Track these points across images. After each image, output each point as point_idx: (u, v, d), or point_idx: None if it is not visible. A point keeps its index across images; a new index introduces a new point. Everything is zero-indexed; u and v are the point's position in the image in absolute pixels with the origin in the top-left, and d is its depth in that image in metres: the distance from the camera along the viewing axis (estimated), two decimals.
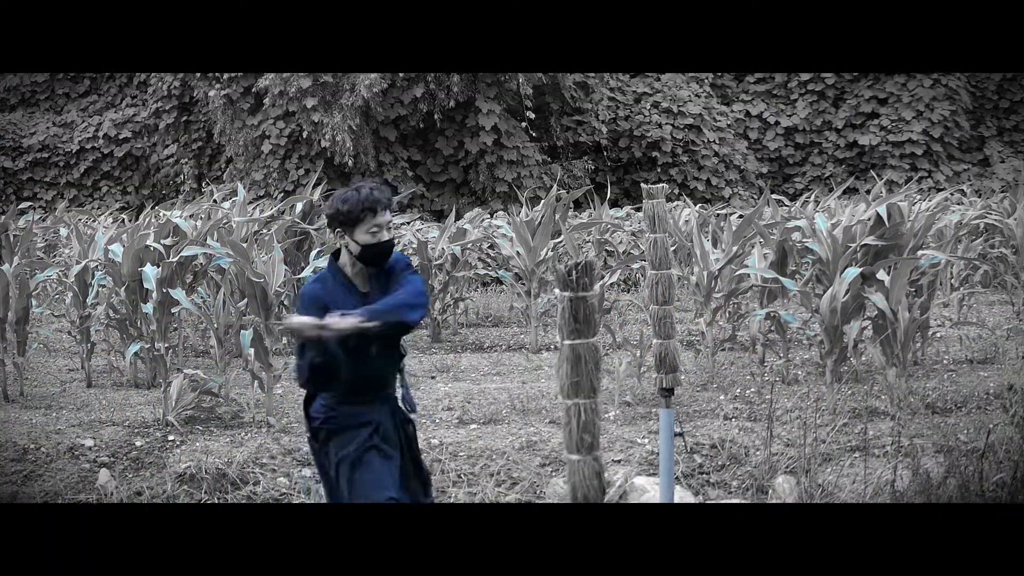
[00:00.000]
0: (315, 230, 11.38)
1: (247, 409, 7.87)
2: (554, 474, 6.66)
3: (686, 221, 12.23)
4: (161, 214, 10.67)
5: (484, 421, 7.73)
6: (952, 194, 16.14)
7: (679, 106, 24.02)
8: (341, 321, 4.19)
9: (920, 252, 8.24)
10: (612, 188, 19.97)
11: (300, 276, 9.88)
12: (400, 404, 4.65)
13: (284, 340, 10.04)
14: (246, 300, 8.43)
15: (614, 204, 19.59)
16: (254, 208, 11.94)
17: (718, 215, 13.25)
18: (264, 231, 10.59)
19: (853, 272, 7.71)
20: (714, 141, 23.92)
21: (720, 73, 25.74)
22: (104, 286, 9.31)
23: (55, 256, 13.39)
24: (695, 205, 14.76)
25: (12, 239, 10.31)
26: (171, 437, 7.36)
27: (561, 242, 11.41)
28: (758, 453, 6.80)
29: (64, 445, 7.18)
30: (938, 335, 9.89)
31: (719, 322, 9.32)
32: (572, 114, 23.79)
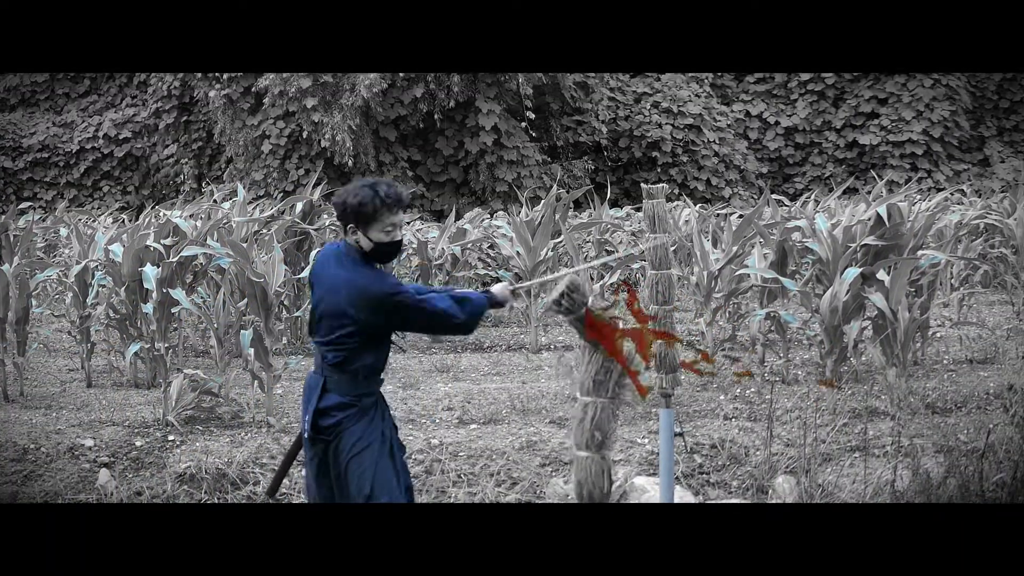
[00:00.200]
0: (315, 230, 11.38)
1: (247, 409, 7.87)
2: (554, 474, 6.66)
3: (686, 221, 12.24)
4: (161, 214, 10.67)
5: (484, 421, 7.73)
6: (952, 194, 16.14)
7: (679, 106, 24.02)
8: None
9: (920, 252, 8.24)
10: (612, 188, 19.98)
11: (300, 276, 9.88)
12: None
13: (284, 340, 10.05)
14: (246, 300, 8.43)
15: (614, 204, 19.60)
16: (254, 208, 11.94)
17: (718, 215, 13.26)
18: (264, 231, 10.59)
19: (853, 272, 7.71)
20: (714, 141, 23.92)
21: (720, 73, 25.73)
22: (104, 286, 9.32)
23: (55, 256, 13.39)
24: (695, 205, 14.77)
25: (12, 239, 10.31)
26: (171, 437, 7.36)
27: (561, 242, 11.41)
28: (758, 453, 6.80)
29: (64, 445, 7.17)
30: (938, 335, 9.89)
31: (719, 322, 9.32)
32: (572, 114, 23.80)
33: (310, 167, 20.79)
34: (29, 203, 21.59)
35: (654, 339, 4.03)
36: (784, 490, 6.29)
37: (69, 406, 8.32)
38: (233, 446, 7.14)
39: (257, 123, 21.28)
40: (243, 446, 7.12)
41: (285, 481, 6.67)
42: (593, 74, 23.02)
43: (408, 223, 14.03)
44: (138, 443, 7.27)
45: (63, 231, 13.30)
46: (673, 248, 9.24)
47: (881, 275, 7.91)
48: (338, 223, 4.56)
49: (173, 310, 8.89)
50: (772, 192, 14.62)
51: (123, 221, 13.38)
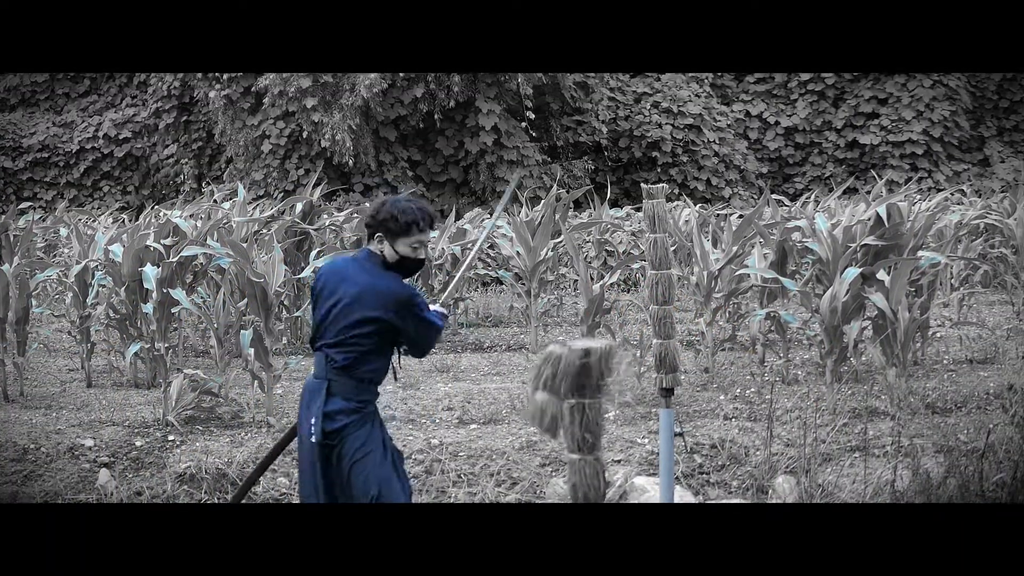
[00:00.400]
0: (315, 230, 11.38)
1: (247, 409, 7.87)
2: (554, 474, 6.66)
3: (686, 221, 12.24)
4: (161, 214, 10.67)
5: (484, 421, 7.73)
6: (952, 194, 16.14)
7: (679, 106, 24.01)
8: None
9: (920, 252, 8.24)
10: (612, 188, 19.97)
11: (300, 276, 9.88)
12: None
13: (284, 340, 10.05)
14: (246, 300, 8.43)
15: (614, 204, 19.59)
16: (254, 208, 11.94)
17: (718, 215, 13.25)
18: (264, 231, 10.59)
19: (853, 272, 7.71)
20: (714, 141, 23.91)
21: (720, 73, 25.72)
22: (104, 286, 9.31)
23: (55, 256, 13.39)
24: (695, 205, 14.77)
25: (12, 239, 10.32)
26: (171, 437, 7.36)
27: (561, 242, 11.41)
28: (758, 453, 6.81)
29: (64, 445, 7.18)
30: (938, 335, 9.89)
31: (719, 322, 9.32)
32: (572, 114, 23.78)
33: (310, 167, 20.77)
34: (29, 203, 21.58)
35: None
36: (784, 490, 6.29)
37: (69, 406, 8.33)
38: (233, 446, 7.14)
39: (257, 123, 21.27)
40: (243, 446, 7.12)
41: (285, 480, 6.68)
42: (593, 74, 23.01)
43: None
44: (138, 443, 7.27)
45: (63, 231, 13.30)
46: (673, 248, 9.24)
47: (881, 275, 7.92)
48: (365, 228, 4.61)
49: (173, 310, 8.89)
50: (772, 192, 14.62)
51: (123, 221, 13.38)
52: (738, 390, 8.32)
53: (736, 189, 23.99)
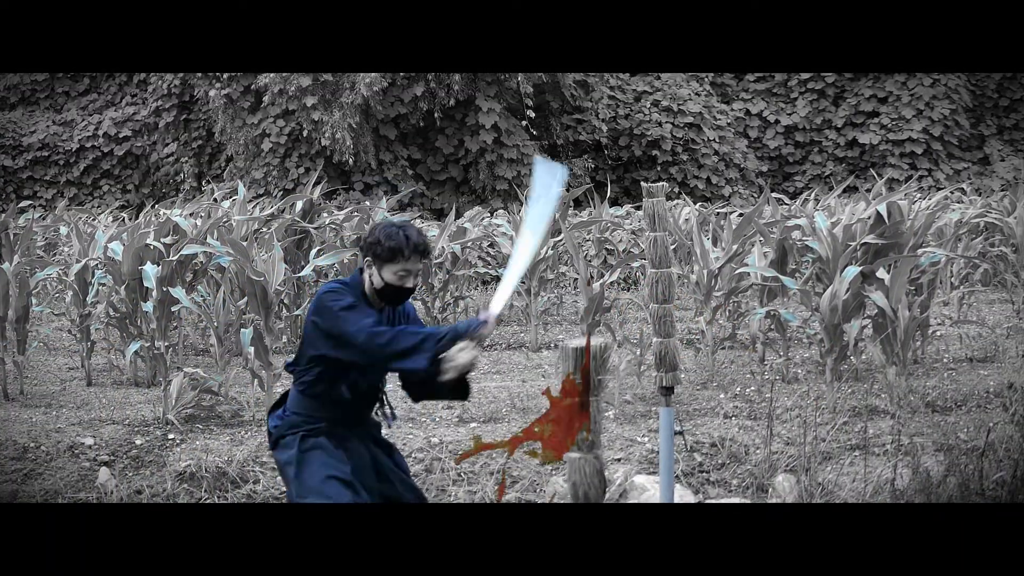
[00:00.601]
0: (315, 229, 11.38)
1: (247, 407, 7.87)
2: (554, 473, 6.67)
3: (686, 219, 12.24)
4: (161, 212, 10.67)
5: (484, 420, 7.73)
6: (952, 192, 16.14)
7: (679, 105, 24.01)
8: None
9: (920, 250, 8.24)
10: (612, 187, 19.97)
11: (300, 275, 9.89)
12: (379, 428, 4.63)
13: (284, 339, 10.05)
14: (246, 299, 8.43)
15: (614, 203, 19.59)
16: (254, 206, 11.94)
17: (718, 213, 13.26)
18: (264, 229, 10.59)
19: (853, 271, 7.71)
20: (714, 140, 23.91)
21: (720, 73, 25.72)
22: (104, 284, 9.31)
23: (55, 254, 13.39)
24: (695, 203, 14.77)
25: (12, 237, 10.32)
26: (171, 436, 7.37)
27: (561, 240, 11.41)
28: (758, 451, 6.81)
29: (64, 444, 7.18)
30: (938, 333, 9.89)
31: (719, 320, 9.33)
32: (572, 113, 23.78)
33: (310, 166, 20.78)
34: (29, 201, 21.60)
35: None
36: (784, 488, 6.30)
37: (69, 405, 8.33)
38: (233, 445, 7.15)
39: (257, 122, 21.28)
40: (243, 445, 7.13)
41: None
42: (593, 73, 23.01)
43: (409, 221, 14.02)
44: (138, 441, 7.27)
45: (63, 229, 13.29)
46: (673, 246, 9.24)
47: (881, 273, 7.91)
48: (359, 253, 4.54)
49: (173, 308, 8.89)
50: (772, 190, 14.62)
51: (123, 219, 13.38)
52: (738, 388, 8.33)
53: (736, 188, 23.99)
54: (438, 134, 22.15)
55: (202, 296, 9.01)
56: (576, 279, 12.55)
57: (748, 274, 9.03)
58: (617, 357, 8.25)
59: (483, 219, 15.30)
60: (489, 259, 14.94)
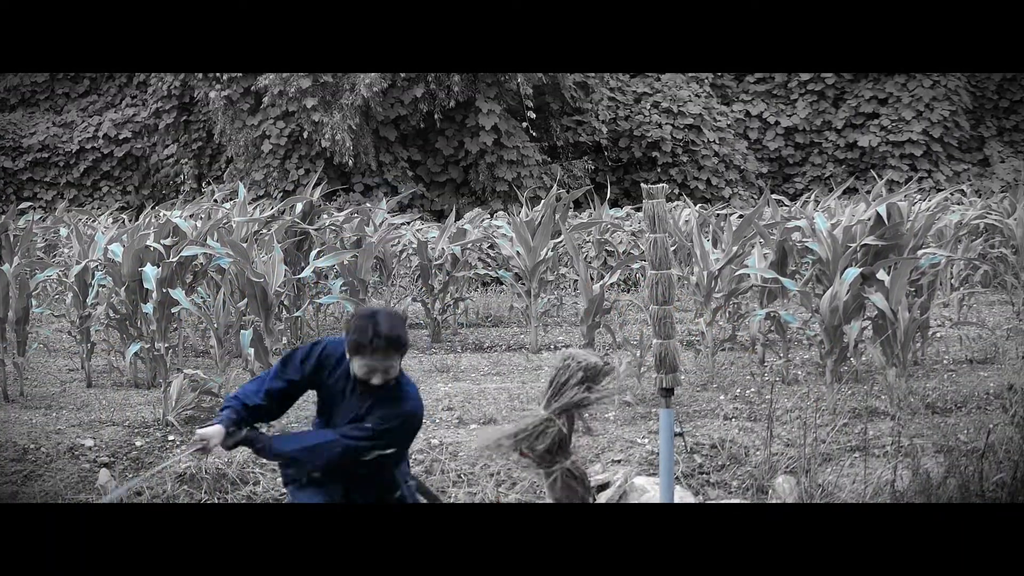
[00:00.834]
0: (315, 230, 11.38)
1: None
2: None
3: (686, 221, 12.23)
4: (161, 214, 10.66)
5: (484, 421, 7.73)
6: (952, 194, 16.14)
7: (679, 106, 24.02)
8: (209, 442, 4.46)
9: (920, 252, 8.24)
10: (612, 188, 19.97)
11: (300, 276, 9.89)
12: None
13: (284, 340, 10.04)
14: (246, 300, 8.43)
15: (614, 204, 19.59)
16: (254, 208, 11.94)
17: (718, 215, 13.25)
18: (264, 231, 10.58)
19: (853, 272, 7.71)
20: (714, 141, 23.92)
21: (720, 73, 25.72)
22: (104, 286, 9.31)
23: (55, 256, 13.38)
24: (695, 205, 14.76)
25: (12, 239, 10.31)
26: (171, 437, 7.36)
27: (561, 242, 11.41)
28: (758, 453, 6.81)
29: (64, 445, 7.18)
30: (938, 335, 9.89)
31: (719, 322, 9.33)
32: (572, 114, 23.79)
33: (310, 167, 20.78)
34: (29, 203, 21.57)
35: None
36: (784, 490, 6.29)
37: (69, 406, 8.33)
38: None
39: (257, 123, 21.28)
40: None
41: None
42: (593, 74, 23.01)
43: (408, 223, 14.03)
44: (138, 443, 7.27)
45: (63, 231, 13.30)
46: (673, 248, 9.24)
47: (881, 275, 7.91)
48: None
49: (173, 310, 8.89)
50: (772, 192, 14.62)
51: (123, 221, 13.37)
52: (738, 390, 8.32)
53: (736, 189, 24.00)
54: (438, 135, 22.16)
55: (202, 298, 9.00)
56: (576, 280, 12.55)
57: (748, 276, 9.02)
58: (617, 358, 8.25)
59: (483, 220, 15.31)
60: (489, 261, 14.94)
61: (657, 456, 6.35)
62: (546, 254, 11.32)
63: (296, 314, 10.76)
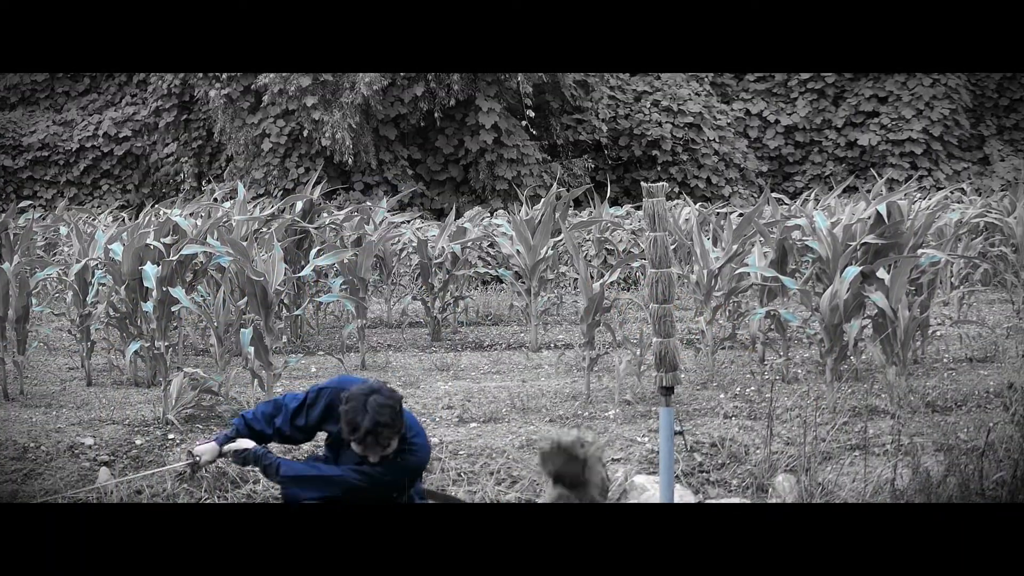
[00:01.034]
0: (315, 229, 11.38)
1: (247, 408, 7.86)
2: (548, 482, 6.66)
3: (686, 219, 12.23)
4: (161, 212, 10.66)
5: (484, 420, 7.73)
6: (952, 192, 16.13)
7: (679, 105, 24.01)
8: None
9: (920, 251, 8.24)
10: (612, 186, 19.97)
11: (300, 275, 9.89)
12: None
13: (284, 339, 10.05)
14: (246, 299, 8.43)
15: (614, 202, 19.59)
16: (254, 207, 11.94)
17: (718, 213, 13.25)
18: (264, 229, 10.58)
19: (853, 271, 7.71)
20: (714, 140, 23.91)
21: (720, 72, 25.71)
22: (104, 284, 9.31)
23: (55, 254, 13.39)
24: (695, 203, 14.76)
25: (12, 237, 10.31)
26: (171, 436, 7.37)
27: (561, 240, 11.41)
28: (758, 451, 6.81)
29: (64, 443, 7.18)
30: (938, 333, 9.89)
31: (719, 321, 9.33)
32: (572, 113, 23.78)
33: (310, 166, 20.78)
34: (29, 201, 21.58)
35: None
36: (784, 488, 6.30)
37: (69, 404, 8.33)
38: None
39: (257, 122, 21.28)
40: None
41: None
42: (593, 73, 23.00)
43: (408, 222, 14.04)
44: (138, 441, 7.28)
45: (63, 229, 13.29)
46: (673, 246, 9.24)
47: (881, 273, 7.91)
48: None
49: (173, 308, 8.88)
50: (772, 190, 14.61)
51: (123, 219, 13.37)
52: (738, 388, 8.33)
53: (736, 188, 23.99)
54: (438, 134, 22.15)
55: (202, 296, 9.00)
56: (576, 279, 12.55)
57: (748, 274, 9.02)
58: (617, 357, 8.26)
59: (483, 219, 15.31)
60: (489, 259, 14.94)
61: (657, 454, 6.35)
62: (546, 252, 11.32)
63: (296, 312, 10.77)
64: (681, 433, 5.15)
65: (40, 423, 7.65)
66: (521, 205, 13.42)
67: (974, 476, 5.87)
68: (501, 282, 14.99)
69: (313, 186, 11.75)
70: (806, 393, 7.71)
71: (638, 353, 8.63)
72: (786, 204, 14.19)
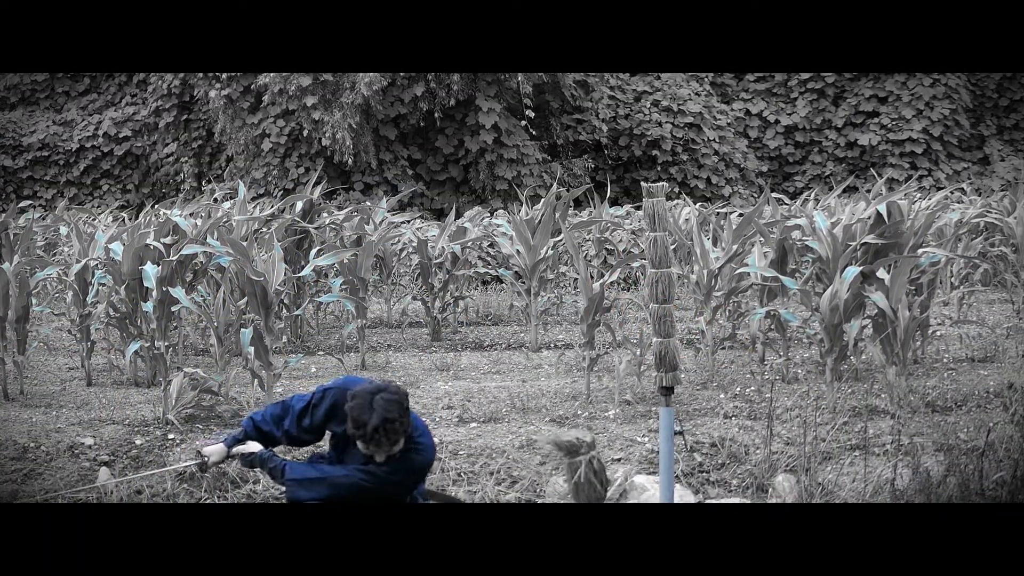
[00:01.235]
0: (315, 229, 11.38)
1: (247, 408, 7.87)
2: (554, 473, 6.67)
3: (686, 219, 12.23)
4: (161, 212, 10.66)
5: (484, 420, 7.73)
6: (952, 192, 16.13)
7: (679, 105, 24.00)
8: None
9: (920, 250, 8.24)
10: (612, 186, 19.96)
11: (300, 275, 9.89)
12: None
13: (284, 339, 10.05)
14: (246, 298, 8.43)
15: (614, 202, 19.58)
16: (254, 207, 11.94)
17: (718, 213, 13.25)
18: (264, 229, 10.59)
19: (853, 271, 7.71)
20: (714, 140, 23.90)
21: (720, 72, 25.71)
22: (104, 285, 9.31)
23: (55, 254, 13.39)
24: (695, 203, 14.76)
25: (12, 237, 10.31)
26: (171, 436, 7.37)
27: (561, 240, 11.41)
28: (758, 451, 6.81)
29: (64, 443, 7.18)
30: (938, 333, 9.90)
31: (719, 321, 9.33)
32: (572, 112, 23.77)
33: (310, 166, 20.78)
34: (29, 201, 21.57)
35: None
36: (784, 488, 6.30)
37: (69, 404, 8.33)
38: None
39: (257, 122, 21.27)
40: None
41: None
42: (593, 73, 22.99)
43: (408, 222, 14.04)
44: (138, 441, 7.28)
45: (63, 229, 13.29)
46: (673, 246, 9.24)
47: (881, 273, 7.91)
48: None
49: (173, 308, 8.89)
50: (772, 190, 14.61)
51: (123, 219, 13.37)
52: (738, 388, 8.33)
53: (736, 188, 23.98)
54: (438, 134, 22.15)
55: (202, 296, 9.01)
56: (576, 279, 12.55)
57: (748, 274, 9.03)
58: (617, 357, 8.26)
59: (483, 219, 15.30)
60: (489, 259, 14.93)
61: (657, 454, 6.35)
62: (546, 252, 11.32)
63: (296, 312, 10.77)
64: (681, 433, 5.16)
65: (40, 423, 7.65)
66: (521, 205, 13.42)
67: (974, 476, 5.87)
68: (501, 282, 14.99)
69: (313, 186, 11.75)
70: (806, 393, 7.71)
71: (638, 353, 8.63)
72: (786, 204, 14.20)
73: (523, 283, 11.59)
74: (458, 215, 15.35)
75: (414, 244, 12.38)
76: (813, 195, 12.85)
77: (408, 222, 13.93)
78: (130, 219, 12.78)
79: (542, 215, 11.27)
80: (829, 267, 8.09)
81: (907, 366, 7.90)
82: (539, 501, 6.44)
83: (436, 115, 21.48)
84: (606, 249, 14.67)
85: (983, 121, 26.16)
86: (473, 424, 7.62)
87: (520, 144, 21.90)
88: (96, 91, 26.17)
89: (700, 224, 9.81)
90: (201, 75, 21.67)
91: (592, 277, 10.52)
